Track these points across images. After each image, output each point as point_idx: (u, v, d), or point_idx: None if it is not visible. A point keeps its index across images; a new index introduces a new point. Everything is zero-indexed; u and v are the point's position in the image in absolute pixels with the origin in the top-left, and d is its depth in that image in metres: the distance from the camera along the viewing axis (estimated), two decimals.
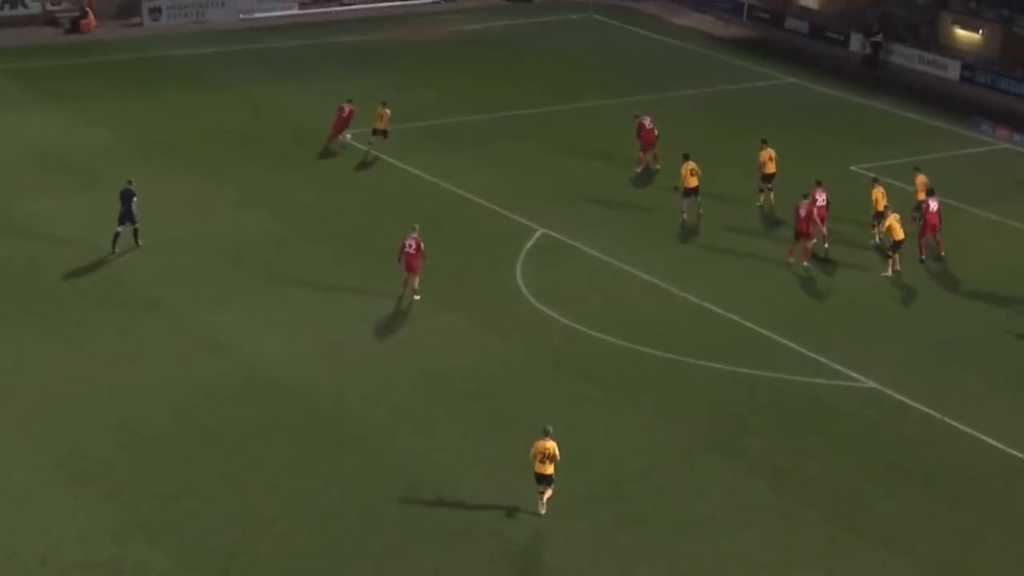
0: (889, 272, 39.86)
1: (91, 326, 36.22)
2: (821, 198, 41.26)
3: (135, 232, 40.89)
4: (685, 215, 43.74)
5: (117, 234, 40.48)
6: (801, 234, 39.99)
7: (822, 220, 41.07)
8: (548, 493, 28.48)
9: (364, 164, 48.38)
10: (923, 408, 32.82)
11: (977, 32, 62.12)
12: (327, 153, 49.27)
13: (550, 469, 28.32)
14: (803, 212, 39.87)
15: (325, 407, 32.52)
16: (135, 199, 40.62)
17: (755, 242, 42.44)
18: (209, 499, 28.80)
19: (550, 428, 28.63)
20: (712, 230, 43.34)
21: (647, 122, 47.33)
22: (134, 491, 29.01)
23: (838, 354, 35.25)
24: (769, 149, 44.87)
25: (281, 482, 29.44)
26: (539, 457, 28.30)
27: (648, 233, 42.97)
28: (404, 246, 37.58)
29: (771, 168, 44.67)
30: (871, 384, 33.98)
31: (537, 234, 42.56)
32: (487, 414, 32.31)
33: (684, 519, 28.49)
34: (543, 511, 28.48)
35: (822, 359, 35.08)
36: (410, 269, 37.57)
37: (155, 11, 66.39)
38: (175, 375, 33.77)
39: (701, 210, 43.76)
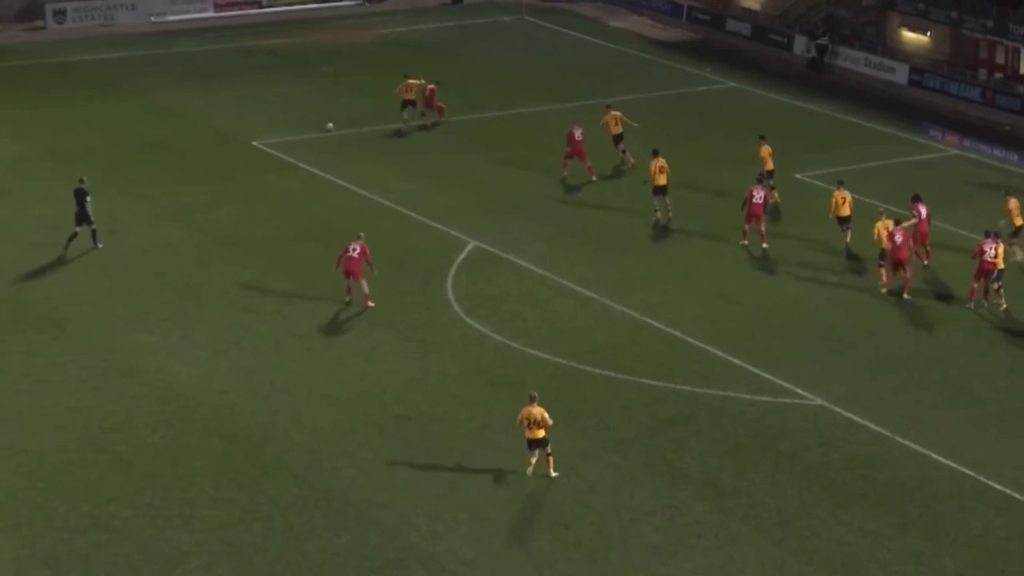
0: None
1: None
2: (759, 195, 42.15)
3: (93, 233, 41.13)
4: (659, 214, 44.10)
5: (74, 234, 40.85)
6: (901, 263, 39.26)
7: (759, 219, 42.08)
8: (550, 457, 30.19)
9: (283, 175, 48.29)
10: (873, 427, 33.09)
11: (925, 34, 62.86)
12: (253, 162, 49.19)
13: (541, 433, 30.04)
14: (899, 239, 39.35)
15: (246, 431, 32.33)
16: (88, 198, 40.77)
17: (697, 254, 42.69)
18: (120, 531, 28.53)
19: (535, 394, 30.34)
20: (651, 243, 43.56)
21: (577, 133, 47.64)
22: (39, 522, 28.69)
23: (784, 370, 35.48)
24: (767, 145, 45.92)
25: (198, 511, 29.22)
26: (526, 423, 30.00)
27: (585, 245, 43.12)
28: (347, 250, 37.85)
29: (771, 164, 45.64)
30: (819, 401, 34.23)
31: (469, 247, 42.60)
32: (418, 437, 32.25)
33: (624, 544, 28.54)
34: (545, 472, 30.19)
35: (767, 375, 35.30)
36: (352, 274, 37.75)
37: (60, 14, 65.89)
38: (85, 399, 33.48)
39: (670, 212, 44.10)
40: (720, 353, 36.36)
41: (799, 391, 34.58)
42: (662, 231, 43.99)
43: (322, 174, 48.30)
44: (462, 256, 41.97)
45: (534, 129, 53.44)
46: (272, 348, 36.17)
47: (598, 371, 35.36)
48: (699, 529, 29.05)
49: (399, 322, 37.82)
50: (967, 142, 53.03)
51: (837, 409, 33.77)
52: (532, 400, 30.25)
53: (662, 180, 43.78)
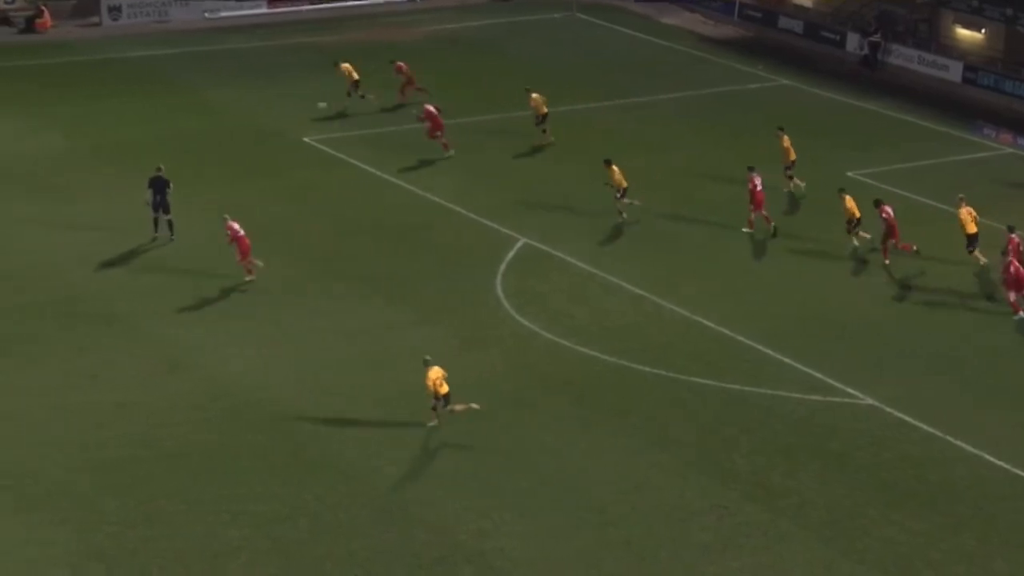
0: (982, 261, 40.55)
1: (46, 343, 36.08)
2: (759, 182, 42.80)
3: (170, 224, 41.46)
4: (625, 215, 43.94)
5: (156, 219, 41.66)
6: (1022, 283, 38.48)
7: (760, 205, 42.75)
8: (459, 406, 31.96)
9: (333, 171, 48.38)
10: (924, 426, 32.80)
11: (979, 32, 62.27)
12: (303, 158, 49.36)
13: (447, 388, 31.82)
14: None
15: (292, 428, 32.35)
16: (170, 187, 41.43)
17: (745, 252, 42.45)
18: (170, 526, 28.63)
19: (429, 357, 32.09)
20: (701, 240, 43.33)
21: (432, 108, 49.54)
22: (90, 517, 28.84)
23: (834, 369, 35.22)
24: (787, 136, 46.50)
25: (247, 507, 29.28)
26: (439, 382, 31.69)
27: (634, 243, 42.95)
28: (237, 233, 39.01)
29: (793, 155, 46.24)
30: (869, 401, 33.96)
31: (519, 244, 42.51)
32: (464, 434, 32.17)
33: (673, 543, 28.40)
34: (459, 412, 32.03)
35: (817, 374, 35.05)
36: (248, 251, 39.11)
37: (115, 10, 66.28)
38: (134, 394, 33.62)
39: (637, 202, 43.89)
40: (770, 352, 36.13)
41: (849, 390, 34.32)
42: (673, 238, 43.81)
43: (372, 170, 48.34)
44: (511, 253, 41.89)
45: (582, 127, 53.28)
46: (319, 345, 36.18)
47: (647, 369, 35.20)
48: (748, 528, 28.87)
49: (446, 319, 37.77)
50: (1021, 140, 52.51)
51: (888, 409, 33.49)
52: (429, 363, 31.87)
53: (625, 183, 43.75)
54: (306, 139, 51.04)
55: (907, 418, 33.13)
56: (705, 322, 37.75)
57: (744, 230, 43.16)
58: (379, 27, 66.98)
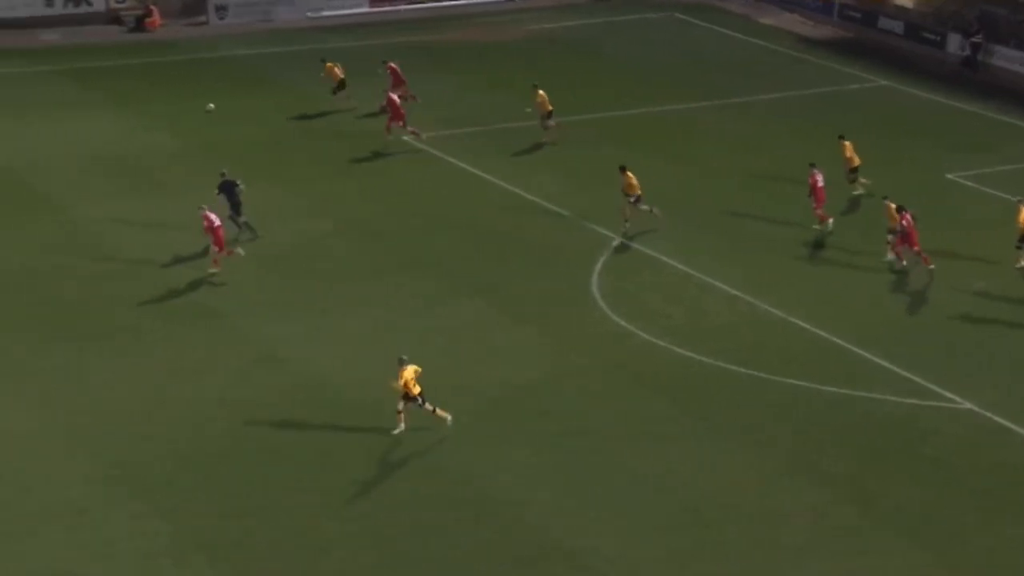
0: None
1: (150, 337, 36.62)
2: (819, 177, 42.48)
3: (246, 224, 41.87)
4: (656, 216, 43.28)
5: (245, 221, 42.00)
6: None
7: (820, 202, 42.59)
8: (436, 410, 31.68)
9: (430, 169, 48.59)
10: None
11: None
12: (401, 156, 49.61)
13: (419, 388, 31.50)
14: None
15: (390, 424, 32.56)
16: (240, 188, 41.76)
17: (841, 255, 42.05)
18: (270, 518, 28.98)
19: (405, 357, 31.62)
20: (796, 241, 43.00)
21: (395, 96, 50.06)
22: (194, 509, 29.30)
23: (931, 372, 34.83)
24: (848, 142, 45.84)
25: (345, 501, 29.56)
26: (413, 382, 31.32)
27: (730, 243, 42.73)
28: (212, 223, 39.19)
29: (857, 160, 45.57)
30: (967, 405, 33.55)
31: (614, 243, 42.48)
32: (560, 433, 32.24)
33: (766, 546, 28.26)
34: (400, 426, 31.64)
35: (914, 377, 34.69)
36: (222, 244, 39.42)
37: (221, 9, 67.12)
38: (235, 389, 34.05)
39: (655, 210, 43.28)
40: (866, 354, 35.81)
41: (947, 394, 33.93)
42: (767, 239, 43.44)
43: (470, 168, 48.49)
44: (607, 253, 41.86)
45: (677, 126, 53.11)
46: (416, 341, 36.29)
47: (742, 370, 35.04)
48: (842, 532, 28.67)
49: (542, 318, 37.83)
50: None
51: (987, 414, 33.08)
52: (404, 362, 31.42)
53: (639, 191, 43.16)
54: (405, 137, 51.32)
55: (1007, 423, 32.70)
56: (800, 323, 37.50)
57: (815, 227, 42.75)
58: (477, 27, 67.18)
